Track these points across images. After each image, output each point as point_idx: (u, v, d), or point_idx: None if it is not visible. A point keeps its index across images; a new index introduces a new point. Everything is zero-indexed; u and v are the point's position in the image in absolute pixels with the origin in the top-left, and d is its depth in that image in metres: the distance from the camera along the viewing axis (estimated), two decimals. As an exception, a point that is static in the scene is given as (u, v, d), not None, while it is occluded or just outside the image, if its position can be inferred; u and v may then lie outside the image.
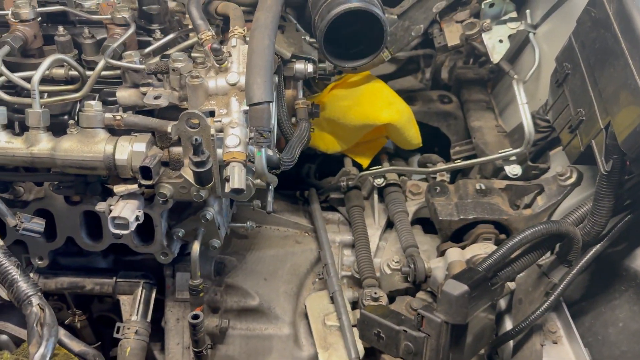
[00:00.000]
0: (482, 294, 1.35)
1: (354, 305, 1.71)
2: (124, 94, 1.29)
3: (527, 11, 1.89)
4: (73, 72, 1.34)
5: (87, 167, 1.22)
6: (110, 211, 1.21)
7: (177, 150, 1.28)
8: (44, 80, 1.30)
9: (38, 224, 1.24)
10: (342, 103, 1.93)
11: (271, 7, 1.32)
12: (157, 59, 1.39)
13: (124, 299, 1.51)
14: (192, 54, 1.40)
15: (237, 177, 1.14)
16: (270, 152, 1.25)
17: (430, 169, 1.94)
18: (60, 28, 1.41)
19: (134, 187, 1.23)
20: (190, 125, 1.19)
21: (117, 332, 1.44)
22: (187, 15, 1.59)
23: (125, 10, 1.39)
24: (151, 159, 1.19)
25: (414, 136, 1.99)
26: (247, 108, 1.23)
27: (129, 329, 1.44)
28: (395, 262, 1.76)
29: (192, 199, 1.28)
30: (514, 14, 1.85)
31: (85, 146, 1.21)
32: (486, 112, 2.12)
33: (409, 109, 1.97)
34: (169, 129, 1.20)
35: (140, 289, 1.50)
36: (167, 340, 1.57)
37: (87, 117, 1.21)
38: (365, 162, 2.09)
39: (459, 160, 1.99)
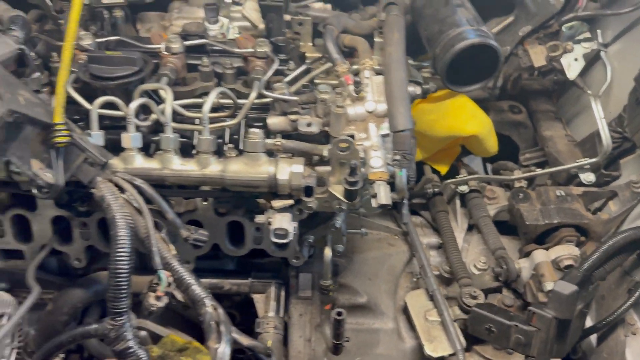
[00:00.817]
0: (582, 292, 1.54)
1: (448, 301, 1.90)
2: (275, 121, 1.48)
3: (598, 31, 2.06)
4: (223, 100, 1.52)
5: (252, 186, 1.40)
6: (270, 223, 1.39)
7: (321, 169, 1.46)
8: (195, 107, 1.49)
9: (204, 235, 1.42)
10: (428, 117, 2.10)
11: (399, 42, 1.49)
12: (294, 87, 1.56)
13: (257, 297, 1.69)
14: (324, 81, 1.58)
15: (383, 194, 1.33)
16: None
17: (512, 177, 2.10)
18: (205, 60, 1.58)
19: (290, 202, 1.41)
20: (339, 149, 1.37)
21: (258, 327, 1.63)
22: (301, 43, 1.78)
23: (266, 45, 1.56)
24: (311, 178, 1.37)
25: (493, 145, 2.16)
26: (385, 132, 1.41)
27: (267, 324, 1.62)
28: (482, 263, 1.94)
29: (334, 211, 1.46)
30: (587, 34, 2.03)
31: (251, 168, 1.39)
32: (555, 122, 2.28)
33: (490, 121, 2.13)
34: (324, 152, 1.38)
35: (273, 288, 1.69)
36: (291, 334, 1.75)
37: (251, 143, 1.39)
38: (443, 169, 2.25)
39: (534, 167, 2.17)
